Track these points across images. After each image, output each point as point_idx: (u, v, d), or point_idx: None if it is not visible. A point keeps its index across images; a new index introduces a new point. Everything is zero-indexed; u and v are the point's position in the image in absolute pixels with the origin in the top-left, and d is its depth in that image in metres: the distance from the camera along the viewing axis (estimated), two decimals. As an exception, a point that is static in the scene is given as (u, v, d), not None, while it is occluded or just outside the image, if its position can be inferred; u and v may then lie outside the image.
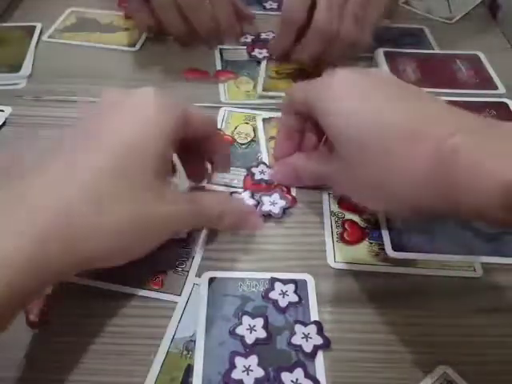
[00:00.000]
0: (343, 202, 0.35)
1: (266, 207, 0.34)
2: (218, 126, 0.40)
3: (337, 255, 0.32)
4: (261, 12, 0.55)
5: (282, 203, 0.34)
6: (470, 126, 0.25)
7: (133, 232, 0.25)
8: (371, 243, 0.33)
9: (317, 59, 0.43)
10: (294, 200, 0.35)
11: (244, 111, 0.42)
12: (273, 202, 0.34)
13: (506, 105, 0.44)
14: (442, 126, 0.25)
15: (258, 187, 0.36)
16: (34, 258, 0.22)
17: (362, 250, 0.33)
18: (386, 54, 0.48)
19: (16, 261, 0.21)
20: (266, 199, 0.35)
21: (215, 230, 0.33)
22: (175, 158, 0.32)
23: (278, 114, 0.38)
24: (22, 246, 0.22)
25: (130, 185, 0.25)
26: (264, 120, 0.41)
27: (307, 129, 0.35)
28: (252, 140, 0.40)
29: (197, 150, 0.32)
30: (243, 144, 0.40)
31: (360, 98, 0.29)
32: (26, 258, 0.21)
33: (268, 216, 0.34)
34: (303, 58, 0.44)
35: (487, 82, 0.46)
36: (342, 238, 0.33)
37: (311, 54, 0.43)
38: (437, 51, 0.50)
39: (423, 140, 0.25)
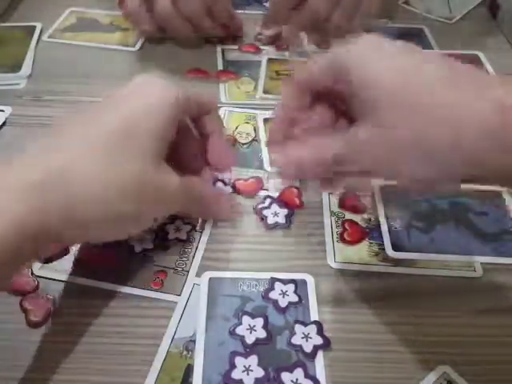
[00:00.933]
0: (343, 202, 0.35)
1: (271, 220, 0.34)
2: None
3: (337, 255, 0.32)
4: (261, 12, 0.54)
5: (284, 212, 0.34)
6: None
7: (135, 194, 0.26)
8: (371, 243, 0.33)
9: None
10: (301, 204, 0.35)
11: (244, 111, 0.42)
12: (275, 213, 0.34)
13: (506, 105, 0.44)
14: (498, 86, 0.23)
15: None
16: (35, 208, 0.23)
17: (362, 250, 0.33)
18: (386, 54, 0.48)
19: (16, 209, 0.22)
20: (267, 212, 0.34)
21: (194, 220, 0.33)
22: None
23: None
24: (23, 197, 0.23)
25: (135, 148, 0.26)
26: (265, 120, 0.41)
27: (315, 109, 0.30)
28: (253, 139, 0.40)
29: (191, 134, 0.32)
30: (245, 144, 0.40)
31: (398, 53, 0.26)
32: (26, 209, 0.23)
33: (276, 226, 0.34)
34: (291, 33, 0.45)
35: (487, 82, 0.46)
36: (342, 238, 0.33)
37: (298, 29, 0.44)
38: (437, 51, 0.50)
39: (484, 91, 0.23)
